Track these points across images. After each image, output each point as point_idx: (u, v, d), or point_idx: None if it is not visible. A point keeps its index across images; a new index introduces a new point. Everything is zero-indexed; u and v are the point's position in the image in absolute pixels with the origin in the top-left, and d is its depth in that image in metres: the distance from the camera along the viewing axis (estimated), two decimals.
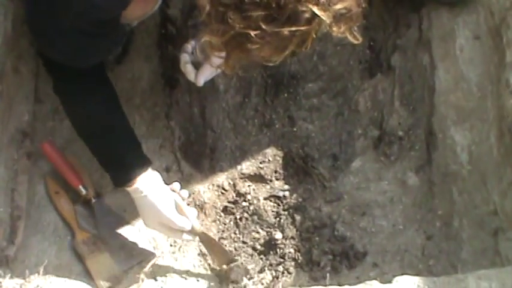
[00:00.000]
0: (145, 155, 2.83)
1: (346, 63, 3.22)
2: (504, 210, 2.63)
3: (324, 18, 2.07)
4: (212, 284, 2.80)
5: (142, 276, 2.68)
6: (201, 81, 2.90)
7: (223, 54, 2.33)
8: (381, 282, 2.27)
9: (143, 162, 2.78)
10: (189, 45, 2.93)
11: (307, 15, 2.06)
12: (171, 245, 2.86)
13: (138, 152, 2.82)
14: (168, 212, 2.74)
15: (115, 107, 2.84)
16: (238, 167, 3.06)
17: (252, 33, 2.09)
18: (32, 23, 2.77)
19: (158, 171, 2.83)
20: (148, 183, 2.76)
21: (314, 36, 2.16)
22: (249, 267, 2.86)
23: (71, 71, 2.72)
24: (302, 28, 2.09)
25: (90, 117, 2.80)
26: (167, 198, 2.78)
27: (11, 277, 2.31)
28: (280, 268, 2.81)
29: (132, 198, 2.77)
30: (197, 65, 2.89)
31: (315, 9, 2.05)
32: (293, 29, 2.09)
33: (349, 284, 2.33)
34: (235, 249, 2.91)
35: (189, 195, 2.90)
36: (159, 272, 2.76)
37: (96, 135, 2.82)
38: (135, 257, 2.79)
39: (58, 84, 2.83)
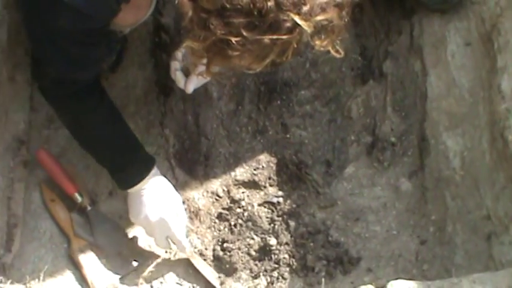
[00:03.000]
0: (149, 155, 2.84)
1: (339, 70, 3.22)
2: (497, 215, 2.63)
3: (305, 27, 2.06)
4: None
5: (141, 280, 2.70)
6: (190, 88, 2.90)
7: (204, 60, 2.31)
8: (376, 287, 2.25)
9: (147, 165, 2.79)
10: (180, 53, 2.93)
11: (288, 24, 2.06)
12: (166, 252, 2.84)
13: (141, 155, 2.83)
14: (168, 218, 2.72)
15: (113, 115, 2.84)
16: (232, 174, 3.04)
17: (233, 39, 2.09)
18: (28, 33, 2.75)
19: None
20: (153, 184, 2.77)
21: (295, 46, 2.14)
22: (241, 273, 2.87)
23: (67, 85, 2.72)
24: (283, 37, 2.08)
25: (90, 127, 2.79)
26: (174, 196, 2.79)
27: (12, 282, 2.30)
28: (275, 274, 2.81)
29: (133, 195, 2.77)
30: (187, 72, 2.90)
31: (296, 19, 2.05)
32: (274, 37, 2.08)
33: None
34: (232, 254, 2.87)
35: (183, 203, 2.91)
36: (154, 277, 2.76)
37: (98, 146, 2.84)
38: (131, 264, 2.79)
39: (57, 101, 2.82)
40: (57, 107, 2.86)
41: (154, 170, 2.83)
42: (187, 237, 2.87)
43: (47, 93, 2.83)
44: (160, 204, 2.79)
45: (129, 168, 2.82)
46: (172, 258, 2.87)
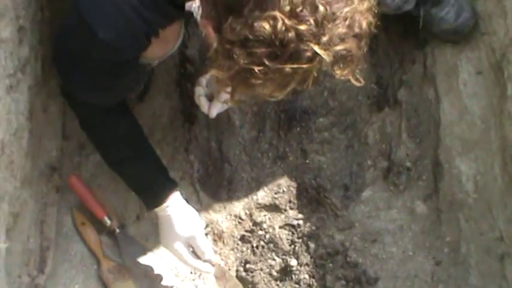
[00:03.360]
0: (172, 178, 2.87)
1: (355, 98, 3.22)
2: (510, 236, 2.65)
3: (324, 57, 2.07)
4: None
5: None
6: (213, 113, 2.93)
7: (229, 88, 2.35)
8: None
9: (171, 185, 2.83)
10: (204, 79, 2.96)
11: (308, 53, 2.07)
12: (191, 273, 2.87)
13: (166, 176, 2.86)
14: (194, 232, 2.79)
15: (140, 137, 2.88)
16: (254, 198, 3.05)
17: (256, 69, 2.10)
18: (58, 63, 2.79)
19: None
20: (177, 204, 2.80)
21: (315, 74, 2.16)
22: None
23: (96, 108, 2.78)
24: (304, 66, 2.09)
25: (119, 148, 2.84)
26: (194, 216, 2.83)
27: None
28: None
29: (159, 218, 2.81)
30: (211, 98, 2.93)
31: (316, 48, 2.06)
32: (295, 66, 2.10)
33: None
34: (253, 275, 2.91)
35: (207, 226, 2.96)
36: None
37: (126, 165, 2.87)
38: (158, 285, 2.83)
39: (84, 120, 2.87)
40: (86, 125, 2.88)
41: (179, 194, 2.85)
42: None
43: (79, 113, 2.87)
44: (187, 229, 2.81)
45: (155, 187, 2.86)
46: (196, 279, 2.89)
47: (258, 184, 3.08)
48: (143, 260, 2.89)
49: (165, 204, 2.79)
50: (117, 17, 2.41)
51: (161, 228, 2.84)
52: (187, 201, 2.93)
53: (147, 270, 2.87)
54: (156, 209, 2.81)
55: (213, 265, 2.83)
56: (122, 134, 2.86)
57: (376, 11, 2.23)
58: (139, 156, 2.89)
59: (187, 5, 2.68)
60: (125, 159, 2.89)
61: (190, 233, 2.81)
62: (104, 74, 2.60)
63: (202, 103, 2.92)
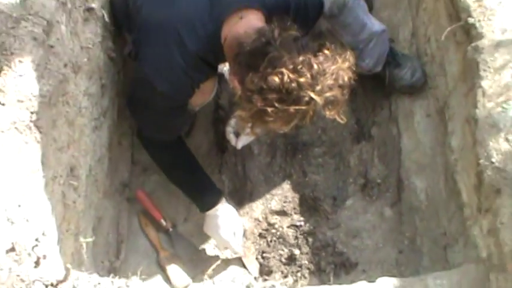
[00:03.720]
0: (219, 188, 2.96)
1: (341, 134, 3.25)
2: (450, 232, 2.69)
3: (318, 101, 2.20)
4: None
5: (206, 277, 2.73)
6: (239, 145, 3.01)
7: (250, 124, 2.45)
8: (368, 282, 2.31)
9: (219, 194, 2.92)
10: (232, 121, 3.02)
11: (306, 98, 2.21)
12: (222, 253, 3.00)
13: (215, 188, 2.94)
14: (235, 228, 2.91)
15: (193, 160, 2.95)
16: (269, 206, 3.11)
17: (269, 109, 2.23)
18: (131, 109, 2.89)
19: None
20: (224, 207, 2.91)
21: (311, 114, 2.27)
22: (275, 274, 2.95)
23: (162, 142, 2.89)
24: (303, 107, 2.23)
25: (180, 170, 2.94)
26: (236, 219, 2.94)
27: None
28: (299, 274, 2.94)
29: (208, 216, 2.90)
30: (237, 134, 3.00)
31: (312, 95, 2.20)
32: (297, 107, 2.22)
33: (346, 284, 2.37)
34: (268, 262, 2.99)
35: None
36: (215, 275, 2.91)
37: (185, 181, 2.94)
38: (199, 267, 2.94)
39: (153, 152, 2.96)
40: (153, 155, 2.96)
41: (224, 200, 2.92)
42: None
43: (147, 147, 2.97)
44: (228, 225, 2.89)
45: (206, 197, 2.92)
46: (229, 257, 2.98)
47: (271, 196, 3.14)
48: (189, 250, 3.01)
49: (215, 208, 2.88)
50: (170, 74, 2.55)
51: (209, 223, 2.91)
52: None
53: (192, 257, 2.98)
54: (208, 212, 2.90)
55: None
56: (181, 161, 2.95)
57: (354, 69, 2.31)
58: (195, 175, 2.95)
59: (220, 66, 2.76)
60: (185, 178, 2.95)
61: (232, 228, 2.90)
62: (164, 116, 2.74)
63: (231, 138, 3.01)
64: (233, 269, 2.97)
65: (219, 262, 2.97)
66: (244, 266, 2.98)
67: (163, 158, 2.95)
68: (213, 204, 2.89)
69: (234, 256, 2.97)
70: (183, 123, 2.93)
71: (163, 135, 2.84)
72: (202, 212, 2.93)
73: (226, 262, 2.99)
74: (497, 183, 2.23)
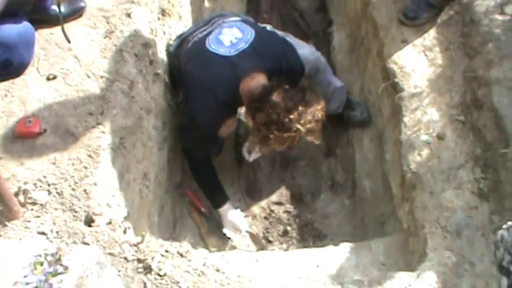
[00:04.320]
0: (227, 195, 2.88)
1: (317, 153, 3.20)
2: (385, 214, 2.69)
3: (302, 130, 2.27)
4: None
5: (227, 248, 2.75)
6: (251, 160, 2.96)
7: (258, 146, 2.52)
8: (334, 245, 2.35)
9: (226, 198, 2.86)
10: (246, 144, 2.96)
11: (294, 128, 2.28)
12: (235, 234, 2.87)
13: (224, 193, 2.87)
14: (238, 221, 2.85)
15: (214, 174, 2.86)
16: (270, 199, 3.07)
17: (271, 136, 2.29)
18: (180, 135, 2.88)
19: (234, 200, 2.95)
20: (228, 207, 2.86)
21: (298, 138, 2.32)
22: (275, 243, 2.90)
23: (199, 158, 2.83)
24: (292, 134, 2.30)
25: (206, 177, 2.88)
26: (238, 214, 2.87)
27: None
28: (290, 243, 2.92)
29: (220, 212, 2.86)
30: (250, 152, 2.95)
31: (298, 126, 2.27)
32: (288, 134, 2.30)
33: (321, 247, 2.40)
34: (270, 235, 2.94)
35: (248, 214, 2.98)
36: (233, 248, 2.80)
37: (208, 186, 2.89)
38: (225, 239, 2.87)
39: (192, 165, 2.90)
40: (192, 165, 2.89)
41: (228, 203, 2.84)
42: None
43: (189, 159, 2.88)
44: (234, 219, 2.84)
45: (219, 199, 2.86)
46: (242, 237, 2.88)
47: (271, 192, 3.09)
48: (218, 227, 2.91)
49: (222, 208, 2.84)
50: (207, 114, 2.54)
51: (222, 217, 2.87)
52: (239, 201, 3.00)
53: (220, 231, 2.90)
54: (219, 209, 2.86)
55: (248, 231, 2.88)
56: (206, 173, 2.86)
57: (325, 110, 2.36)
58: (214, 183, 2.88)
59: (239, 109, 2.71)
60: (208, 184, 2.89)
61: (235, 219, 2.84)
62: (201, 141, 2.70)
63: (246, 155, 2.97)
64: (246, 241, 2.91)
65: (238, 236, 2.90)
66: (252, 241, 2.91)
67: (196, 169, 2.88)
68: (221, 205, 2.84)
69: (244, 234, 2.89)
70: (213, 146, 2.84)
71: (199, 153, 2.79)
72: (214, 209, 2.87)
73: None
74: (414, 182, 2.33)
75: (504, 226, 1.25)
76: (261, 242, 2.90)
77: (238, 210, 2.89)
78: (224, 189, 2.89)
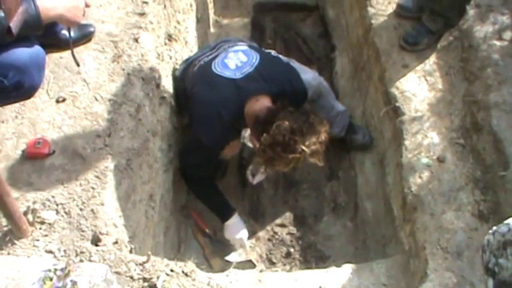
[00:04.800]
0: (233, 207, 2.86)
1: (319, 176, 3.22)
2: (387, 235, 2.69)
3: (307, 151, 2.27)
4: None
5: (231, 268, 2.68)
6: (255, 182, 2.98)
7: (264, 166, 2.53)
8: (336, 267, 2.34)
9: (233, 211, 2.85)
10: (250, 166, 3.00)
11: (299, 149, 2.28)
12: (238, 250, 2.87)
13: (231, 207, 2.86)
14: (242, 234, 2.84)
15: (217, 189, 2.88)
16: (274, 221, 3.06)
17: (276, 157, 2.30)
18: (180, 156, 2.87)
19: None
20: (236, 219, 2.85)
21: (302, 160, 2.32)
22: (278, 264, 2.89)
23: (198, 179, 2.84)
24: (297, 155, 2.30)
25: (210, 199, 2.90)
26: (243, 226, 2.86)
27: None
28: (293, 264, 2.91)
29: (226, 226, 2.83)
30: (254, 175, 2.98)
31: (303, 147, 2.28)
32: (293, 155, 2.30)
33: (323, 268, 2.38)
34: (274, 257, 2.92)
35: (250, 235, 2.94)
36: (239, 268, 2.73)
37: (213, 202, 2.88)
38: (230, 262, 2.86)
39: (192, 186, 2.92)
40: (192, 186, 2.91)
41: (236, 214, 2.85)
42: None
43: (187, 180, 2.89)
44: (239, 231, 2.84)
45: (226, 213, 2.85)
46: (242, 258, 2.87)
47: (275, 215, 3.09)
48: (223, 249, 2.91)
49: (230, 220, 2.83)
50: (212, 134, 2.55)
51: (227, 229, 2.84)
52: (244, 222, 2.91)
53: (224, 253, 2.90)
54: (226, 222, 2.83)
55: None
56: (209, 190, 2.87)
57: (328, 133, 2.38)
58: (217, 198, 2.87)
59: (243, 131, 2.80)
60: (210, 200, 2.88)
61: (242, 233, 2.84)
62: (203, 160, 2.70)
63: (250, 177, 2.99)
64: (247, 264, 2.90)
65: (240, 259, 2.91)
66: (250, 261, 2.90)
67: (197, 188, 2.90)
68: (229, 216, 2.84)
69: (244, 258, 2.89)
70: (212, 167, 2.83)
71: (199, 173, 2.79)
72: (222, 223, 2.86)
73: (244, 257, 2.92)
74: (415, 204, 2.35)
75: (490, 231, 1.30)
76: (252, 260, 2.90)
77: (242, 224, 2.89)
78: (228, 203, 2.89)
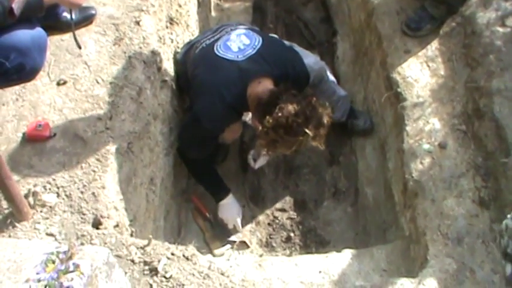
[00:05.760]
0: (228, 187, 2.88)
1: (320, 161, 3.21)
2: (387, 221, 2.71)
3: (309, 134, 2.26)
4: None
5: (231, 247, 2.80)
6: (256, 167, 3.00)
7: (266, 149, 2.49)
8: (336, 252, 2.36)
9: (228, 191, 2.88)
10: (252, 151, 3.02)
11: (302, 132, 2.27)
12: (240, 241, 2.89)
13: (225, 187, 2.88)
14: (237, 214, 2.88)
15: (213, 170, 2.90)
16: (274, 205, 3.06)
17: (279, 139, 2.30)
18: (180, 137, 2.84)
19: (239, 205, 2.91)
20: (230, 199, 2.88)
21: (304, 142, 2.31)
22: (278, 249, 2.90)
23: (196, 160, 2.83)
24: (300, 138, 2.29)
25: (206, 179, 2.91)
26: (237, 207, 2.90)
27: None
28: (293, 249, 2.92)
29: (220, 205, 2.85)
30: (255, 160, 3.00)
31: (305, 130, 2.26)
32: (296, 138, 2.29)
33: (323, 253, 2.39)
34: (274, 241, 2.93)
35: (251, 219, 2.97)
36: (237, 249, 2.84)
37: (207, 182, 2.90)
38: (229, 243, 2.88)
39: (190, 166, 2.90)
40: (188, 164, 2.89)
41: (231, 195, 2.87)
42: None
43: (184, 158, 2.87)
44: (233, 211, 2.88)
45: (220, 192, 2.88)
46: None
47: (275, 199, 3.09)
48: (222, 232, 2.92)
49: (225, 199, 2.85)
50: (213, 116, 2.52)
51: (222, 209, 2.87)
52: (244, 207, 2.97)
53: (224, 236, 2.91)
54: (220, 202, 2.86)
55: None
56: (206, 171, 2.88)
57: (330, 116, 2.36)
58: (212, 178, 2.89)
59: (244, 114, 2.76)
60: (205, 180, 2.90)
61: (235, 214, 2.87)
62: (202, 142, 2.69)
63: (251, 162, 3.01)
64: (241, 245, 2.90)
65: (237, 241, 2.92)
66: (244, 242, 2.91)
67: (193, 166, 2.89)
68: (224, 197, 2.86)
69: (241, 239, 2.90)
70: (210, 148, 2.81)
71: (196, 153, 2.78)
72: (217, 203, 2.88)
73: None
74: (415, 190, 2.35)
75: (509, 216, 1.26)
76: (246, 241, 2.92)
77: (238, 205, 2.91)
78: (223, 183, 2.89)
